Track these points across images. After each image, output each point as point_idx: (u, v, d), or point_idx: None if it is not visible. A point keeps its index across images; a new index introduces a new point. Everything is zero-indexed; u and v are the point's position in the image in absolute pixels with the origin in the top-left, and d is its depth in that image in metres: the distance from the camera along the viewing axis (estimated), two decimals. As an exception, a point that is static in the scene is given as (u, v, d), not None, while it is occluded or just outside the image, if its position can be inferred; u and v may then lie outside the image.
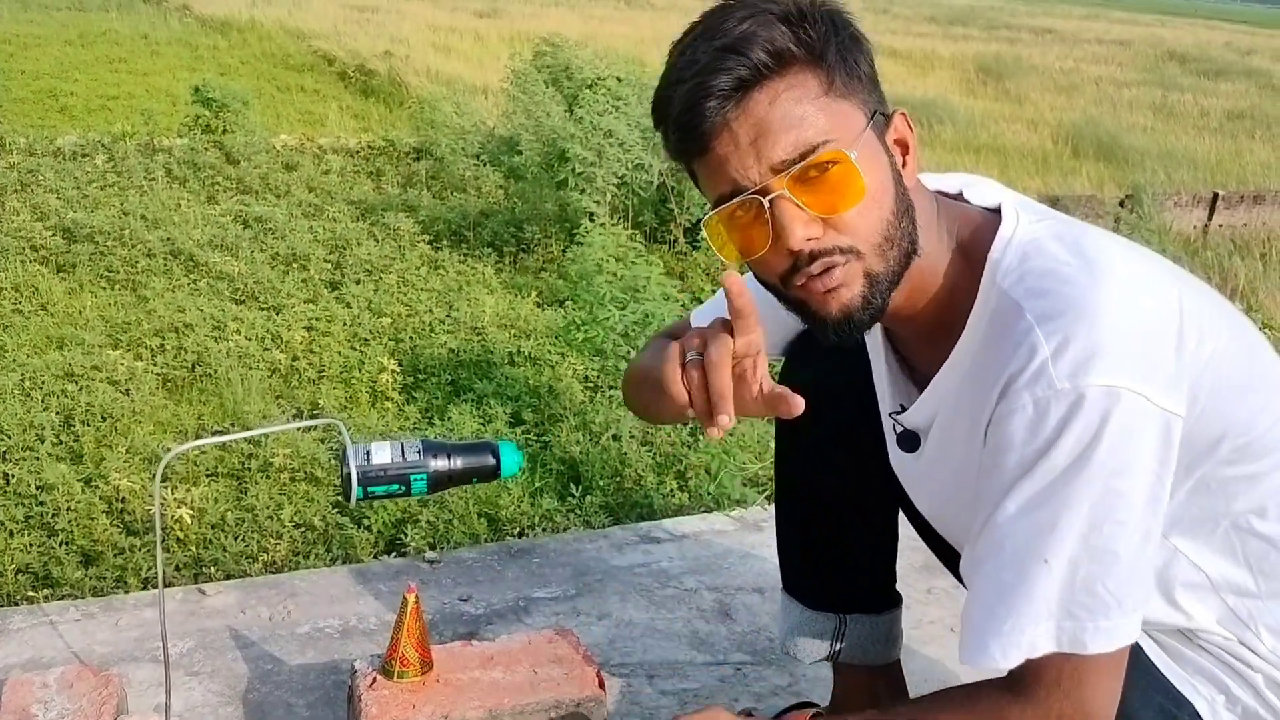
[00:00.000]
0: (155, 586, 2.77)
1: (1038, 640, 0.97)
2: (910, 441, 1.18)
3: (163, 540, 2.98)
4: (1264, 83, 21.36)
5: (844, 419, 1.33)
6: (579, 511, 3.24)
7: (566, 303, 5.14)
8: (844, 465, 1.38)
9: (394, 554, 3.02)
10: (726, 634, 1.89)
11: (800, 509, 1.47)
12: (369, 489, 1.30)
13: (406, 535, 3.03)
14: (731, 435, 3.58)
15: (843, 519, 1.44)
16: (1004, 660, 0.98)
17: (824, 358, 1.31)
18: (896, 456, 1.23)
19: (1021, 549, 0.96)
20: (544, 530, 3.11)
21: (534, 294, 5.44)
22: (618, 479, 3.47)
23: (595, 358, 4.15)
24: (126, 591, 2.70)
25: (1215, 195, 9.61)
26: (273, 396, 4.06)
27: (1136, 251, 1.03)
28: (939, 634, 1.94)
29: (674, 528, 2.25)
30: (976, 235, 1.06)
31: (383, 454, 1.28)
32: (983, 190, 1.11)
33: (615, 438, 3.67)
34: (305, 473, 3.38)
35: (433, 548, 3.04)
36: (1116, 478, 0.92)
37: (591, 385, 4.29)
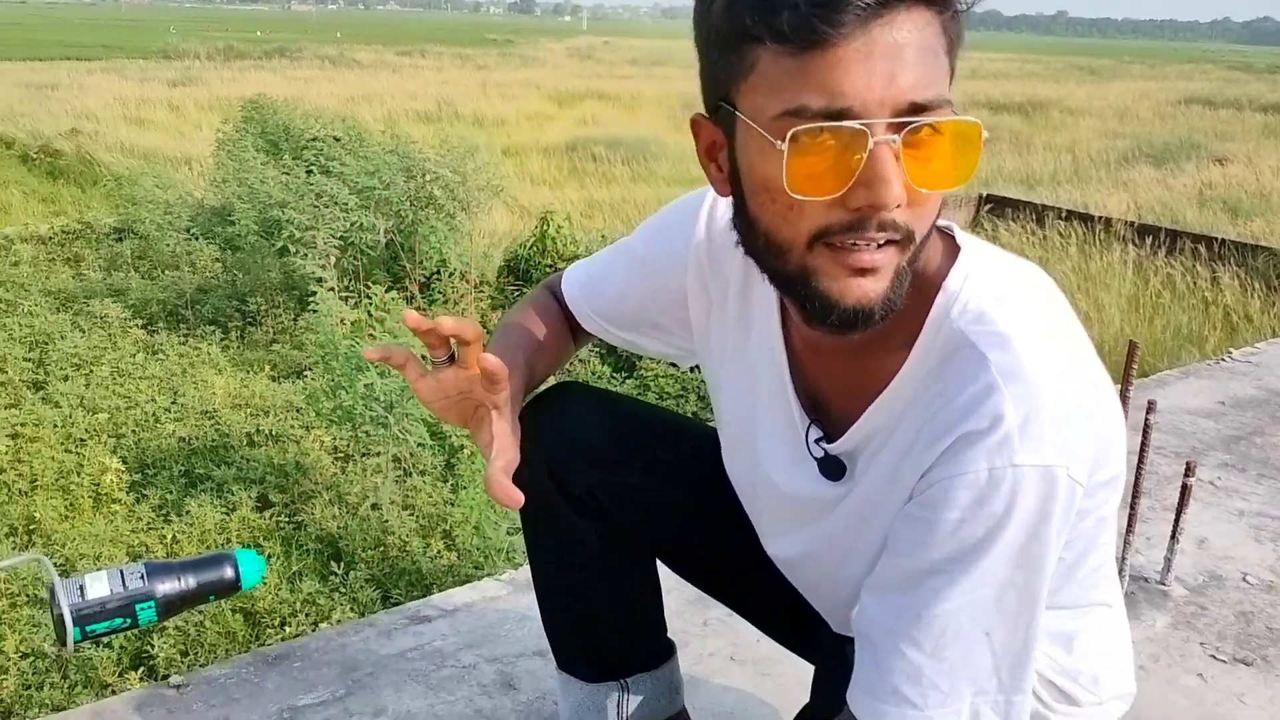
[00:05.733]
0: None
1: (981, 710, 0.95)
2: (835, 468, 1.07)
3: None
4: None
5: (580, 484, 1.28)
6: (343, 590, 3.10)
7: (305, 373, 4.93)
8: (591, 530, 1.32)
9: (140, 670, 2.77)
10: (512, 706, 1.83)
11: (558, 580, 1.40)
12: (87, 628, 1.12)
13: (154, 646, 2.79)
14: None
15: (603, 583, 1.38)
16: None
17: (556, 418, 1.27)
18: (801, 480, 1.11)
19: (967, 625, 0.93)
20: (307, 615, 2.96)
21: (267, 368, 5.18)
22: (381, 549, 3.35)
23: (344, 427, 4.00)
24: None
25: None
26: (-22, 517, 3.64)
27: (1067, 309, 1.00)
28: (721, 665, 1.95)
29: (444, 602, 2.16)
30: (930, 254, 0.97)
31: (99, 586, 1.12)
32: None
33: (375, 506, 3.55)
34: (28, 595, 3.05)
35: (185, 655, 2.81)
36: (1046, 553, 0.92)
37: (343, 455, 4.13)
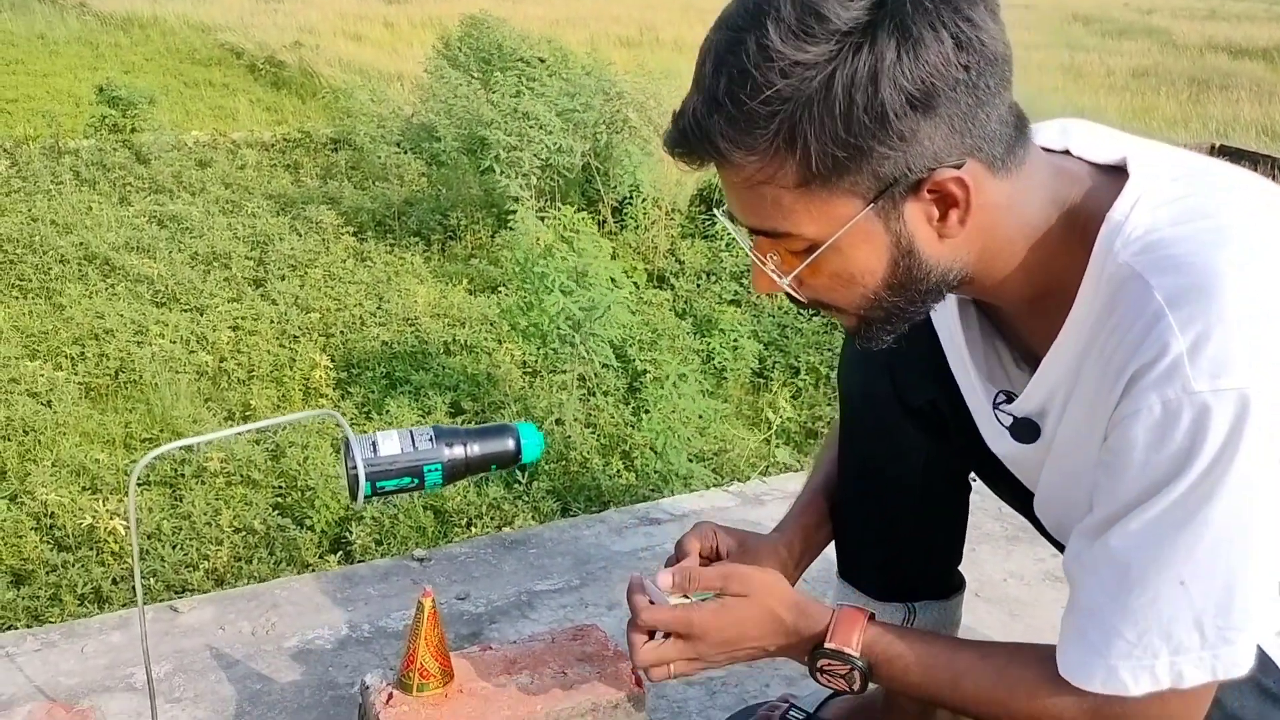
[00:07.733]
0: (108, 606, 2.68)
1: (1184, 670, 0.87)
2: (1027, 430, 1.03)
3: (100, 555, 2.89)
4: (1164, 40, 21.93)
5: (921, 395, 1.22)
6: (526, 499, 3.21)
7: (499, 289, 5.08)
8: (922, 445, 1.26)
9: (339, 554, 2.96)
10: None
11: (871, 492, 1.32)
12: (378, 484, 1.13)
13: (351, 533, 2.97)
14: (673, 412, 3.57)
15: (918, 502, 1.31)
16: (1135, 688, 0.89)
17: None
18: (1005, 446, 1.09)
19: (1151, 569, 0.86)
20: (491, 519, 3.08)
21: (465, 281, 5.36)
22: (563, 463, 3.44)
23: (534, 342, 4.11)
24: (62, 607, 2.61)
25: (1126, 152, 9.86)
26: (201, 400, 3.95)
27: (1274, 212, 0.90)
28: (968, 602, 1.90)
29: (672, 507, 2.19)
30: (1089, 197, 0.92)
31: (390, 444, 1.13)
32: (1093, 139, 1.00)
33: (559, 422, 3.64)
34: (241, 476, 3.30)
35: (379, 544, 2.99)
36: (1251, 488, 0.83)
37: (530, 371, 4.24)
